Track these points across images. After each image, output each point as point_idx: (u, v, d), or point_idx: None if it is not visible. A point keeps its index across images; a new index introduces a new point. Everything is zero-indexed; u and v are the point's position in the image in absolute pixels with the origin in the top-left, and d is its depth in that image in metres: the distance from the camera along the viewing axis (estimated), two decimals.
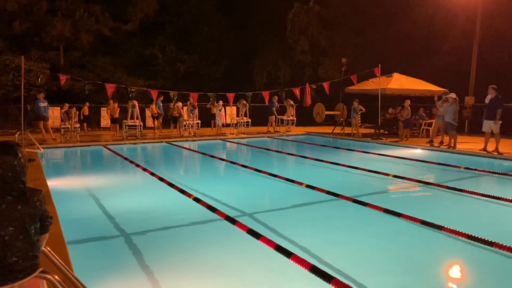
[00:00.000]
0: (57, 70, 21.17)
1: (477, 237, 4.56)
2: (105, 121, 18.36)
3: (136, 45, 26.28)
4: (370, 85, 18.29)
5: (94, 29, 23.92)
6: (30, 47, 21.86)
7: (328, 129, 19.56)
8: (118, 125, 16.45)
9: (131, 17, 25.49)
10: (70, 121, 14.79)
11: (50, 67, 21.21)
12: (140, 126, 15.84)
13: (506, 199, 6.43)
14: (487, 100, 12.01)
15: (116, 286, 3.67)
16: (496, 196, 6.56)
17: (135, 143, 14.38)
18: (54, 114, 17.14)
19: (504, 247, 4.26)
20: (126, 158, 10.86)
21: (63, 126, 14.65)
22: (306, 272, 3.65)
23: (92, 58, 24.34)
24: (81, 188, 7.68)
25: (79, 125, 15.35)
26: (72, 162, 11.59)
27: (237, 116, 19.04)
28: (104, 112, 18.37)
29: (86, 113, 16.80)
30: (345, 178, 8.86)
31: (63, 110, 14.93)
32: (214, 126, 18.49)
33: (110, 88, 15.57)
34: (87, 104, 16.95)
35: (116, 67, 24.66)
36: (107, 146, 13.41)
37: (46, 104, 14.61)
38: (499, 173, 9.17)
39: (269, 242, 4.35)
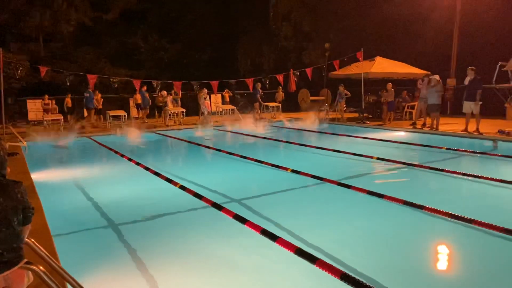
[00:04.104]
0: (37, 62, 20.75)
1: (458, 215, 4.68)
2: (87, 112, 18.13)
3: (118, 35, 25.88)
4: (353, 69, 18.40)
5: (74, 19, 23.46)
6: (8, 39, 21.37)
7: (313, 115, 19.63)
8: (102, 115, 16.29)
9: (112, 6, 25.05)
10: (49, 113, 14.64)
11: (30, 59, 20.78)
12: (124, 116, 15.71)
13: (485, 177, 6.58)
14: (466, 82, 12.21)
15: (104, 276, 3.69)
16: (476, 175, 6.71)
17: (121, 133, 14.29)
18: (36, 106, 16.88)
19: (483, 224, 4.39)
20: (111, 149, 10.79)
21: (46, 119, 14.47)
22: (292, 254, 3.72)
23: (73, 48, 23.93)
24: (66, 180, 7.63)
25: (61, 117, 15.15)
26: (57, 154, 11.46)
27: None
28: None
29: (70, 104, 16.58)
30: (330, 162, 8.96)
31: (43, 102, 14.74)
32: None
33: (92, 78, 15.38)
34: (69, 95, 16.72)
35: (98, 57, 24.30)
36: (92, 137, 13.29)
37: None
38: (479, 153, 9.37)
39: (255, 226, 4.41)
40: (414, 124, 14.41)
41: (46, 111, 16.00)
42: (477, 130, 11.96)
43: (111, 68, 23.69)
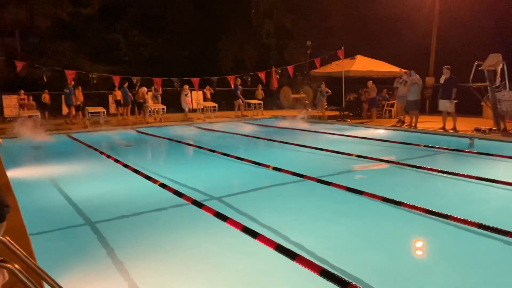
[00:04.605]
0: (13, 57, 20.25)
1: (434, 211, 4.78)
2: (66, 108, 17.79)
3: (97, 30, 25.41)
4: (334, 67, 18.55)
5: (52, 13, 22.93)
6: None
7: (295, 112, 19.74)
8: (81, 112, 16.00)
9: (91, 0, 24.58)
10: (25, 109, 14.33)
11: (6, 54, 20.26)
12: (104, 113, 15.48)
13: (462, 174, 6.73)
14: (442, 80, 12.47)
15: (82, 275, 3.64)
16: (452, 172, 6.86)
17: (98, 130, 14.09)
18: (12, 102, 16.49)
19: (458, 219, 4.49)
20: (89, 146, 10.63)
21: (22, 115, 14.15)
22: (272, 251, 3.73)
23: (51, 43, 23.39)
24: (43, 178, 7.49)
25: (38, 113, 14.83)
26: (33, 151, 11.22)
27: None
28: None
29: (47, 100, 16.25)
30: (311, 159, 9.03)
31: (19, 98, 14.43)
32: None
33: (70, 74, 15.11)
34: (46, 91, 16.38)
35: (76, 53, 23.82)
36: (70, 134, 13.06)
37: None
38: (456, 150, 9.57)
39: (236, 224, 4.41)
40: (400, 121, 14.62)
41: (22, 106, 15.64)
42: (454, 128, 12.22)
43: (90, 64, 23.26)
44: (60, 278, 3.31)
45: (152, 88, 17.29)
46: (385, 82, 18.91)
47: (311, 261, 3.41)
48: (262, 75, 19.13)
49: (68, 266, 3.75)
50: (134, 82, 17.05)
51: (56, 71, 17.07)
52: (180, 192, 5.75)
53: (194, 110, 18.65)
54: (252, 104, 19.48)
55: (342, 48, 16.47)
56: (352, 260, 3.87)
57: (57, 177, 7.50)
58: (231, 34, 27.01)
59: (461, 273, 3.66)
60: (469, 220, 4.40)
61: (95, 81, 16.78)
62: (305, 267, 3.35)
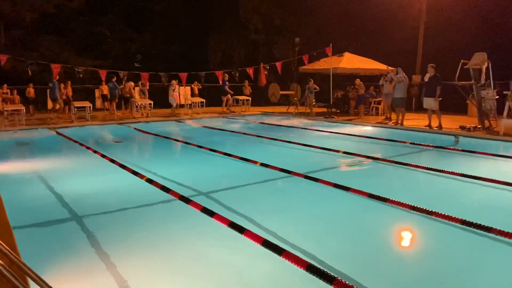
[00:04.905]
0: None
1: (419, 207, 4.84)
2: (51, 103, 17.54)
3: (84, 24, 25.08)
4: (322, 64, 18.61)
5: (37, 6, 22.54)
6: None
7: (283, 109, 19.79)
8: (68, 107, 15.79)
9: None
10: (8, 103, 14.11)
11: None
12: (90, 107, 15.30)
13: (446, 171, 6.83)
14: (426, 78, 12.63)
15: (67, 270, 3.60)
16: (437, 169, 6.95)
17: (85, 125, 13.93)
18: None
19: (442, 216, 4.55)
20: (75, 141, 10.51)
21: (5, 109, 13.92)
22: (259, 246, 3.75)
23: (36, 37, 23.02)
24: (27, 173, 7.37)
25: (22, 108, 14.61)
26: (18, 146, 11.06)
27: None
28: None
29: (32, 94, 15.99)
30: (298, 156, 9.05)
31: (2, 92, 14.18)
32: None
33: (56, 68, 14.90)
34: (31, 85, 16.14)
35: (62, 47, 23.48)
36: (55, 129, 12.90)
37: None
38: (441, 148, 9.70)
39: (223, 219, 4.41)
40: (387, 119, 14.76)
41: (5, 100, 15.38)
42: (439, 125, 12.37)
43: (76, 58, 22.95)
44: (44, 274, 3.29)
45: (139, 83, 17.15)
46: (372, 80, 19.08)
47: (298, 256, 3.43)
48: (250, 71, 19.10)
49: (53, 262, 3.71)
50: (121, 77, 16.87)
51: (41, 64, 16.82)
52: (167, 188, 5.72)
53: (182, 106, 18.55)
54: (240, 100, 19.45)
55: (330, 45, 16.52)
56: (338, 256, 3.90)
57: (42, 172, 7.40)
58: (220, 29, 26.91)
59: (444, 268, 3.72)
60: (452, 216, 4.47)
61: (81, 75, 16.55)
62: (291, 262, 3.37)
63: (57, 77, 15.06)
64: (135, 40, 25.72)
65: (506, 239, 3.97)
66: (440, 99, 12.26)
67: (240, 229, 4.09)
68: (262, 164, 7.46)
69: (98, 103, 17.85)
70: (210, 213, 4.60)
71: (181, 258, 3.88)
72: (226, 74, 18.67)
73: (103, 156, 8.29)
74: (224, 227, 4.26)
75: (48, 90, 15.79)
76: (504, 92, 12.35)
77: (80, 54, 23.63)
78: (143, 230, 4.60)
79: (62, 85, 15.49)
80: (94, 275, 3.50)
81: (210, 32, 27.12)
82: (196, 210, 4.81)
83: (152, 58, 26.04)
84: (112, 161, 7.72)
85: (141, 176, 6.47)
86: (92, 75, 19.38)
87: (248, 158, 7.98)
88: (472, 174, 6.46)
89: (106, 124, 14.51)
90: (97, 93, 17.82)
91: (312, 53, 17.91)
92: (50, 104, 16.20)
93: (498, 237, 4.03)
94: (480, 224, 4.18)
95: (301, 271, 3.24)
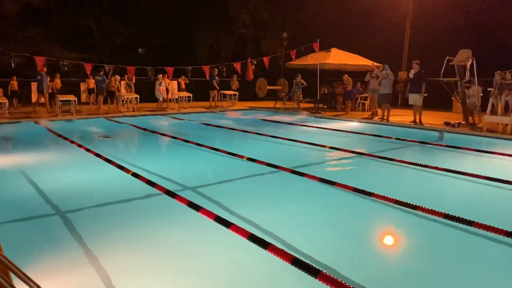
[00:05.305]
0: None
1: (404, 201, 4.90)
2: (35, 96, 17.25)
3: (69, 16, 24.68)
4: (309, 60, 18.65)
5: None
6: None
7: (270, 104, 19.79)
8: (53, 101, 15.56)
9: None
10: None
11: None
12: (75, 101, 15.10)
13: (430, 166, 6.92)
14: (411, 75, 12.77)
15: (51, 265, 3.56)
16: (422, 164, 7.04)
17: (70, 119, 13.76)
18: None
19: (426, 210, 4.61)
20: (60, 135, 10.37)
21: None
22: (245, 240, 3.75)
23: (20, 29, 22.58)
24: (10, 167, 7.27)
25: (6, 101, 14.35)
26: (0, 139, 10.87)
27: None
28: (34, 87, 17.25)
29: (15, 88, 15.72)
30: (285, 151, 9.08)
31: None
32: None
33: (40, 61, 14.66)
34: (15, 78, 15.85)
35: (47, 39, 23.08)
36: (40, 122, 12.71)
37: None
38: (426, 143, 9.82)
39: (209, 213, 4.41)
40: (373, 114, 14.87)
41: None
42: (420, 121, 12.54)
43: (61, 51, 22.58)
44: (27, 269, 3.25)
45: (126, 76, 16.97)
46: (359, 76, 19.20)
47: (283, 250, 3.45)
48: (237, 65, 19.05)
49: (36, 257, 3.67)
50: (107, 70, 16.68)
51: (25, 57, 16.52)
52: (153, 182, 5.69)
53: (169, 100, 18.42)
54: (228, 94, 19.40)
55: (318, 40, 16.55)
56: (323, 249, 3.93)
57: (24, 166, 7.29)
58: (207, 24, 26.73)
59: (428, 261, 3.77)
60: (436, 210, 4.54)
61: (65, 69, 16.31)
62: (277, 256, 3.38)
63: (45, 69, 14.77)
64: (121, 33, 25.40)
65: (487, 233, 4.05)
66: (426, 95, 12.41)
67: (226, 223, 4.09)
68: (249, 159, 7.46)
69: (84, 96, 17.62)
70: (196, 208, 4.60)
71: (167, 252, 3.87)
72: (215, 69, 18.62)
73: (87, 150, 8.20)
74: (211, 221, 4.26)
75: (36, 82, 15.47)
76: (488, 89, 12.55)
77: (65, 47, 23.25)
78: (128, 224, 4.57)
79: (48, 78, 15.25)
80: (78, 270, 3.47)
81: (198, 26, 26.93)
82: (182, 205, 4.80)
83: (138, 52, 25.76)
84: (97, 155, 7.64)
85: (127, 171, 6.43)
86: (77, 68, 19.12)
87: (235, 152, 7.98)
88: (456, 169, 6.56)
89: (92, 118, 14.35)
90: (82, 86, 17.59)
91: (299, 48, 17.93)
92: (34, 97, 15.94)
93: (479, 230, 4.10)
94: (463, 218, 4.25)
95: (286, 264, 3.26)
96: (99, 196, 5.53)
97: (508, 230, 3.88)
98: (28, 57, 16.15)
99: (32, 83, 17.15)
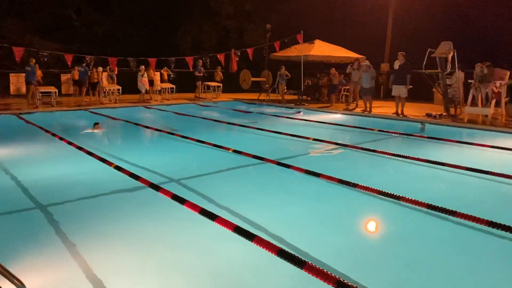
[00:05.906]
0: None
1: (387, 192, 4.95)
2: (14, 87, 16.83)
3: (48, 6, 24.06)
4: (293, 51, 18.64)
5: None
6: None
7: (254, 96, 19.75)
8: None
9: None
10: None
11: None
12: (55, 93, 14.79)
13: (412, 157, 7.01)
14: (396, 66, 12.87)
15: (32, 260, 3.50)
16: (404, 155, 7.13)
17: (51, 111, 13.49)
18: None
19: (409, 200, 4.68)
20: (40, 127, 10.16)
21: None
22: (230, 232, 3.74)
23: None
24: None
25: None
26: None
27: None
28: (13, 78, 16.82)
29: None
30: (270, 143, 9.08)
31: None
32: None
33: (18, 52, 14.29)
34: None
35: (25, 30, 22.51)
36: (20, 115, 12.43)
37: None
38: (408, 135, 9.95)
39: (194, 206, 4.38)
40: (356, 107, 14.99)
41: None
42: (402, 112, 12.69)
43: (41, 41, 22.02)
44: (7, 264, 3.18)
45: (108, 68, 16.69)
46: (341, 67, 19.29)
47: (269, 242, 3.45)
48: (221, 57, 18.92)
49: (17, 251, 3.60)
50: (88, 61, 16.37)
51: (3, 48, 16.09)
52: (136, 175, 5.62)
53: (152, 92, 18.20)
54: (211, 86, 19.27)
55: (302, 32, 16.55)
56: (309, 240, 3.96)
57: (3, 159, 7.12)
58: (190, 14, 26.41)
59: (411, 251, 3.83)
60: (419, 201, 4.60)
61: (45, 59, 15.94)
62: (263, 247, 3.38)
63: (33, 60, 14.34)
64: (102, 23, 24.92)
65: (469, 222, 4.12)
66: (411, 86, 12.53)
67: (212, 216, 4.07)
68: (235, 151, 7.44)
69: (64, 88, 17.28)
70: (181, 200, 4.56)
71: (150, 245, 3.84)
72: (200, 61, 18.50)
73: (69, 143, 8.06)
74: (196, 214, 4.23)
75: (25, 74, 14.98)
76: (469, 81, 12.74)
77: (44, 38, 22.70)
78: (111, 218, 4.51)
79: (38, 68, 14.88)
80: (60, 264, 3.42)
81: (180, 17, 26.58)
82: (166, 198, 4.75)
83: (120, 43, 25.30)
84: (79, 148, 7.51)
85: (109, 163, 6.34)
86: (57, 59, 18.70)
87: (220, 144, 7.94)
88: (437, 160, 6.66)
89: (73, 110, 14.10)
90: (63, 77, 17.23)
91: (283, 39, 17.89)
92: (12, 89, 15.55)
93: (462, 220, 4.18)
94: (445, 208, 4.32)
95: (272, 256, 3.26)
96: (80, 189, 5.44)
97: (489, 220, 3.95)
98: (6, 48, 15.73)
99: (11, 74, 16.73)
